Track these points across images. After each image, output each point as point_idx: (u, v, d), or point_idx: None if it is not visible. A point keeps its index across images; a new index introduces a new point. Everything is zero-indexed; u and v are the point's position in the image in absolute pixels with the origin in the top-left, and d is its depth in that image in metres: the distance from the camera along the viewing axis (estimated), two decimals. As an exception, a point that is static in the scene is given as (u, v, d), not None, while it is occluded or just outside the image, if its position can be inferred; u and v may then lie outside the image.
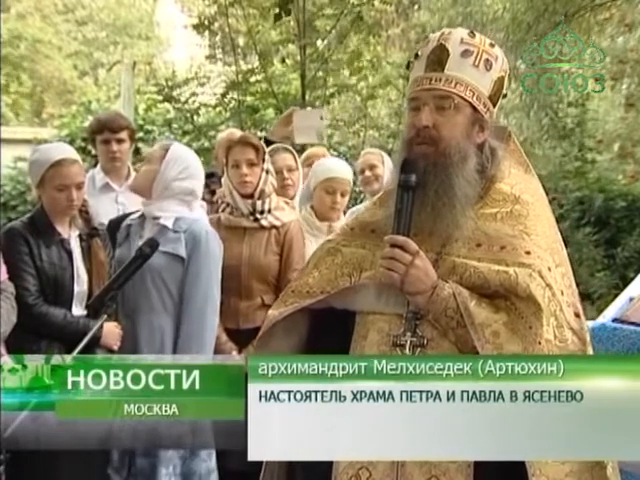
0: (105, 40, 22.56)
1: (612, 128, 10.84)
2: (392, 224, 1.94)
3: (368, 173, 4.74)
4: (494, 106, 2.03)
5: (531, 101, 9.31)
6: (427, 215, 1.96)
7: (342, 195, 4.01)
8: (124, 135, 4.18)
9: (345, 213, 4.83)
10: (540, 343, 1.83)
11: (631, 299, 3.71)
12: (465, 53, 1.97)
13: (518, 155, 2.14)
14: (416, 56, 2.04)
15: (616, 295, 4.05)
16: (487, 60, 1.98)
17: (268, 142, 4.47)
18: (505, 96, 2.10)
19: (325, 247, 2.15)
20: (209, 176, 4.73)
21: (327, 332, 2.11)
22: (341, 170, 4.08)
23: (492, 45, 2.02)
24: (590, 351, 1.99)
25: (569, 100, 9.90)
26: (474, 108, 1.98)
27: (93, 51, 22.06)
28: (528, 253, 1.91)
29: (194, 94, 8.48)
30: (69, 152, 3.37)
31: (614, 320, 3.54)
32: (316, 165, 4.14)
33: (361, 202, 6.98)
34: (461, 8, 9.36)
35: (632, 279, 4.52)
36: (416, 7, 11.10)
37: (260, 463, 3.67)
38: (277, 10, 7.40)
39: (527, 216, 1.97)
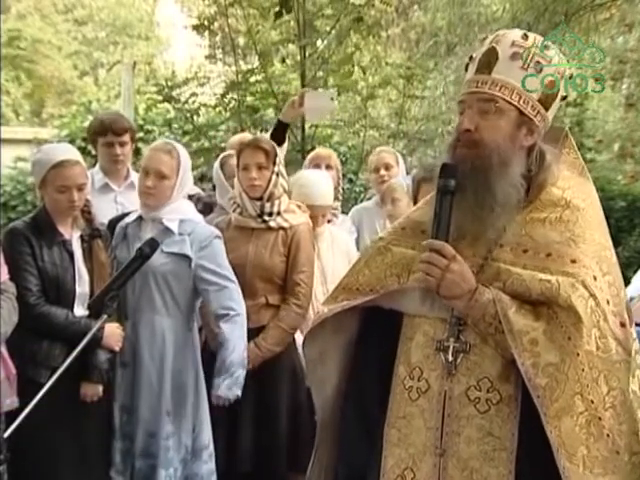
0: (105, 40, 22.57)
1: (612, 128, 10.84)
2: (431, 228, 1.94)
3: (383, 172, 4.73)
4: (547, 109, 1.99)
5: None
6: (467, 219, 1.95)
7: (323, 216, 4.04)
8: (127, 138, 4.17)
9: (348, 213, 4.87)
10: (579, 355, 1.81)
11: (631, 299, 3.70)
12: (514, 56, 1.95)
13: (574, 156, 2.11)
14: (470, 58, 2.04)
15: (616, 295, 4.04)
16: (537, 62, 1.95)
17: (280, 124, 4.49)
18: (565, 97, 2.06)
19: (376, 245, 2.16)
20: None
21: (376, 331, 2.12)
22: (324, 196, 4.05)
23: (546, 47, 1.98)
24: (636, 361, 1.94)
25: (568, 100, 9.91)
26: (521, 111, 1.95)
27: (93, 51, 22.07)
28: (574, 261, 1.88)
29: (194, 94, 8.45)
30: (71, 153, 3.37)
31: (614, 320, 3.53)
32: (298, 187, 4.03)
33: (361, 201, 6.99)
34: (464, 8, 9.37)
35: (632, 279, 4.52)
36: (416, 7, 11.10)
37: (263, 465, 3.70)
38: (278, 8, 7.39)
39: (576, 222, 1.94)
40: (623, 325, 1.90)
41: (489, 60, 1.97)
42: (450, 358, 1.94)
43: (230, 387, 3.33)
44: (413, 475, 1.99)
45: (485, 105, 1.94)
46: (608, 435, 1.81)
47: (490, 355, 1.91)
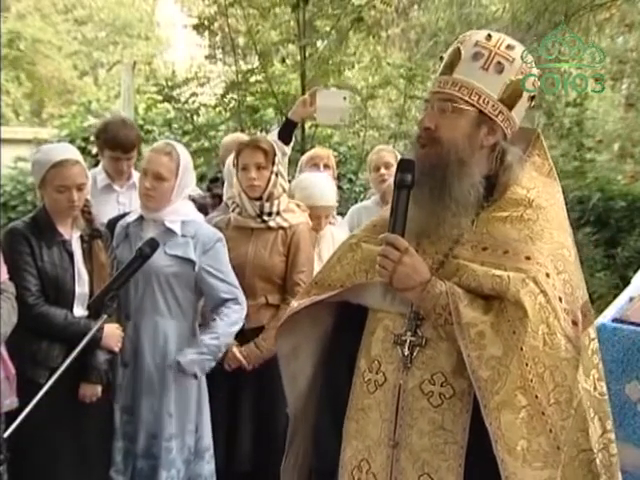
0: (105, 40, 22.55)
1: (612, 128, 10.84)
2: (388, 223, 1.97)
3: (383, 171, 4.70)
4: (511, 108, 2.01)
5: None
6: (423, 214, 1.99)
7: (326, 217, 4.04)
8: (134, 153, 4.15)
9: (344, 215, 4.86)
10: (522, 349, 1.82)
11: (631, 299, 3.70)
12: (475, 56, 1.99)
13: (543, 158, 2.13)
14: (441, 58, 2.08)
15: (616, 295, 4.04)
16: (499, 63, 1.98)
17: (289, 122, 4.45)
18: (533, 98, 2.07)
19: (348, 242, 2.20)
20: (213, 181, 4.72)
21: (348, 325, 2.14)
22: (327, 197, 4.06)
23: (510, 47, 2.01)
24: (593, 361, 1.99)
25: (567, 100, 9.91)
26: (480, 111, 1.98)
27: (93, 51, 22.05)
28: (528, 258, 1.91)
29: (194, 94, 8.45)
30: (71, 153, 3.36)
31: (614, 320, 3.53)
32: (301, 189, 4.05)
33: (361, 200, 6.99)
34: (464, 9, 9.36)
35: (632, 279, 4.51)
36: (416, 7, 11.10)
37: (263, 466, 3.71)
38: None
39: (536, 221, 1.96)
40: (575, 323, 1.91)
41: (452, 61, 2.02)
42: (406, 352, 1.97)
43: (192, 363, 3.35)
44: (369, 466, 2.02)
45: (444, 104, 1.99)
46: (551, 430, 1.82)
47: (445, 350, 1.94)
